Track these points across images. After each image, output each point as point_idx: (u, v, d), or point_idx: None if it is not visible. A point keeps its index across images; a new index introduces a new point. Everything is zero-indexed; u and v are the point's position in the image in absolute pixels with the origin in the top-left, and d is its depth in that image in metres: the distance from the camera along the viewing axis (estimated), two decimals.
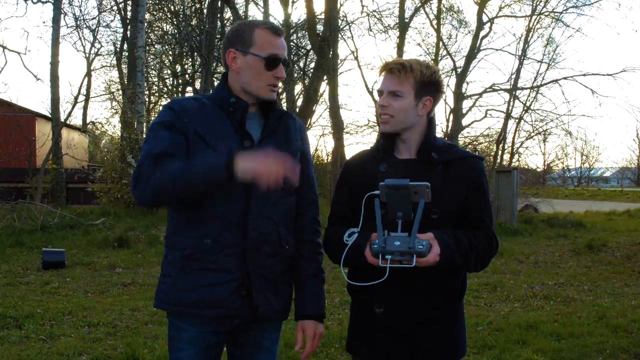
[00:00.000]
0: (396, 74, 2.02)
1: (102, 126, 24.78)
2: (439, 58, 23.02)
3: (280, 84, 2.34)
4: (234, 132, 2.04)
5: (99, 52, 26.69)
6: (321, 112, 27.51)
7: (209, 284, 2.00)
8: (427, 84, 2.04)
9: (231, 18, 20.76)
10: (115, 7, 23.33)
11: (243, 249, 2.01)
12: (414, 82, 2.02)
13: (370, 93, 23.58)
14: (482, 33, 22.14)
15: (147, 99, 22.65)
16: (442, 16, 22.60)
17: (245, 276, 2.02)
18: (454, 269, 1.99)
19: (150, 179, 1.90)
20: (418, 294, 2.00)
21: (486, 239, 2.03)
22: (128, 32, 21.75)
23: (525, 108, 22.93)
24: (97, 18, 24.04)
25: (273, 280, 2.08)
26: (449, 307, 2.07)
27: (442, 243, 1.89)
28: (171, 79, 27.02)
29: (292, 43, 19.32)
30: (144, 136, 15.88)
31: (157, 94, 27.48)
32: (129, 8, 21.63)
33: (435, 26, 22.46)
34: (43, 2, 20.56)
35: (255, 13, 23.83)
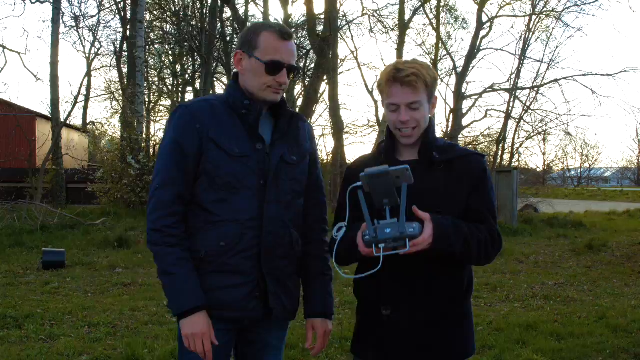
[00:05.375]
0: (413, 85, 1.96)
1: (102, 126, 24.81)
2: (439, 58, 23.04)
3: None
4: (246, 135, 2.04)
5: (99, 52, 26.73)
6: (321, 112, 27.58)
7: (225, 286, 2.01)
8: (432, 85, 2.02)
9: (231, 18, 20.76)
10: (114, 7, 23.35)
11: (258, 251, 2.03)
12: (425, 87, 1.99)
13: (370, 93, 23.62)
14: (482, 33, 22.15)
15: (147, 99, 22.65)
16: (441, 15, 22.60)
17: (260, 278, 2.04)
18: (454, 256, 1.92)
19: (154, 244, 2.01)
20: (425, 294, 1.98)
21: (487, 231, 1.98)
22: (128, 32, 21.74)
23: (525, 108, 22.92)
24: (96, 17, 24.04)
25: (285, 282, 2.12)
26: (455, 305, 2.04)
27: (437, 224, 1.85)
28: (171, 79, 27.04)
29: None
30: (147, 136, 15.75)
31: (157, 94, 27.48)
32: (128, 8, 21.62)
33: (435, 26, 22.47)
34: (41, 2, 20.55)
35: (255, 13, 23.84)
